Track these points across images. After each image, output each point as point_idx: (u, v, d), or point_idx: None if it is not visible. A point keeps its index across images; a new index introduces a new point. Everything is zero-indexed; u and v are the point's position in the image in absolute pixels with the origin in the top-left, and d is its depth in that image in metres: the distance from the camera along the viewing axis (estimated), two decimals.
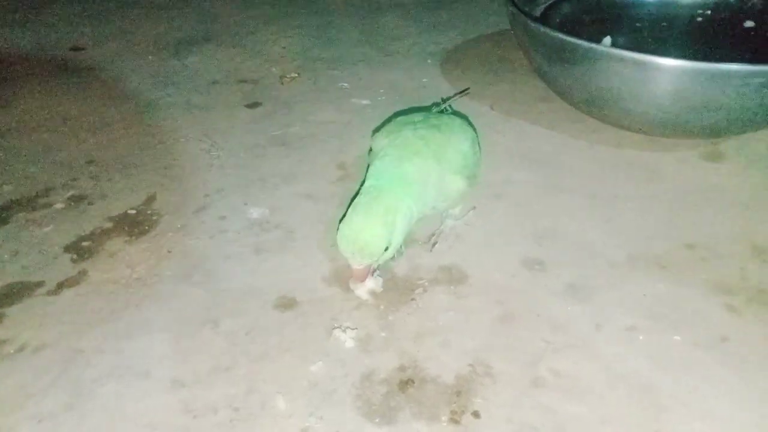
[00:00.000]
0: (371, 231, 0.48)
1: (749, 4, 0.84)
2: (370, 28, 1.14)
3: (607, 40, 0.71)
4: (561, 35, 0.64)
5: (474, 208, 0.63)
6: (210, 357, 0.48)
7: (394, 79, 0.94)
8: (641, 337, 0.50)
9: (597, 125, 0.78)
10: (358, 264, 0.49)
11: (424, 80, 0.93)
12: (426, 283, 0.55)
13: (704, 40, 0.83)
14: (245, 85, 0.93)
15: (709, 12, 0.85)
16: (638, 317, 0.51)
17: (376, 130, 0.60)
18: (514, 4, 0.72)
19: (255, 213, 0.64)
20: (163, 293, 0.55)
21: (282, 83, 0.93)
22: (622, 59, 0.61)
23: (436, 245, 0.59)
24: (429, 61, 1.00)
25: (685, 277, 0.56)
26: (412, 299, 0.53)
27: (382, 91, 0.90)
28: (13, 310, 0.54)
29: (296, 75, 0.95)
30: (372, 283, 0.53)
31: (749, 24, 0.83)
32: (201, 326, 0.51)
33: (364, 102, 0.87)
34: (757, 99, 0.61)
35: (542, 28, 0.66)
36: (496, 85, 0.90)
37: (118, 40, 1.10)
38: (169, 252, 0.59)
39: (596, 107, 0.71)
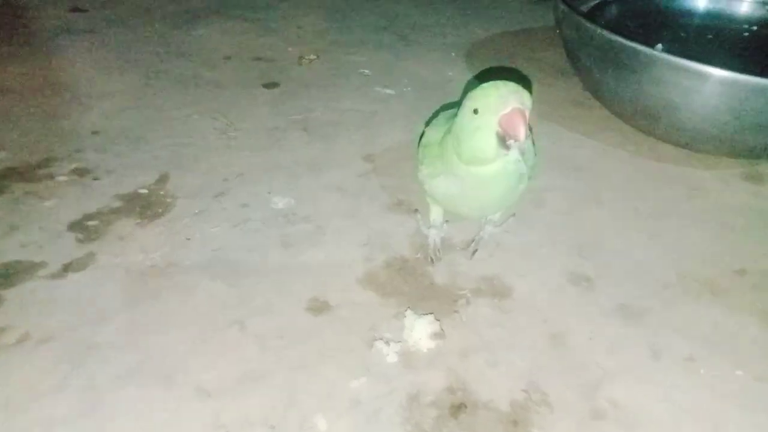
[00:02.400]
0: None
1: None
2: (391, 15, 1.09)
3: (659, 47, 0.67)
4: (621, 39, 0.60)
5: (514, 215, 0.60)
6: (239, 362, 0.43)
7: (417, 69, 0.89)
8: (702, 371, 0.46)
9: (634, 135, 0.75)
10: (520, 103, 0.42)
11: (449, 74, 0.89)
12: (468, 294, 0.51)
13: (748, 55, 0.80)
14: (261, 63, 0.88)
15: (755, 27, 0.82)
16: (696, 346, 0.48)
17: (428, 122, 0.56)
18: (566, 2, 0.68)
19: (280, 202, 0.60)
20: (183, 285, 0.50)
21: (300, 64, 0.88)
22: (686, 69, 0.57)
23: (476, 252, 0.55)
24: (453, 54, 0.95)
25: (739, 305, 0.52)
26: (455, 311, 0.49)
27: (406, 81, 0.85)
28: (11, 294, 0.48)
29: (315, 57, 0.90)
30: (432, 326, 0.47)
31: None
32: (227, 326, 0.46)
33: (389, 92, 0.82)
34: None
35: (599, 30, 0.62)
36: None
37: (122, 5, 1.03)
38: (188, 239, 0.54)
39: (645, 117, 0.67)
